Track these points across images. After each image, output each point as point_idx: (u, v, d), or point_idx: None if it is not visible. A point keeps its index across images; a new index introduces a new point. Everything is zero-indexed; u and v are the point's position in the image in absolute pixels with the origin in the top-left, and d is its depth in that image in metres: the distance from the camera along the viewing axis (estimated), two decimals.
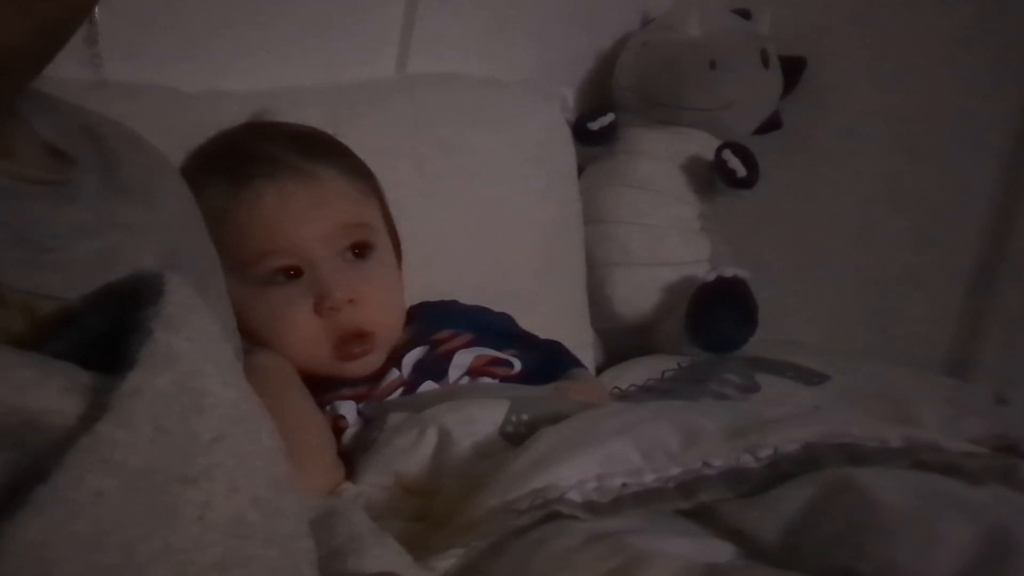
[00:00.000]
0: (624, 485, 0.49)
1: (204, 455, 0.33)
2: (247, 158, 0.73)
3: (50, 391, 0.35)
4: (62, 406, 0.35)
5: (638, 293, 1.12)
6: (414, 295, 0.82)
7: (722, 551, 0.47)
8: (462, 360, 0.74)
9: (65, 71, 0.62)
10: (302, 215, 0.72)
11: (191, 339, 0.37)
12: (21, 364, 0.37)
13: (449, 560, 0.47)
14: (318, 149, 0.76)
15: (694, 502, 0.48)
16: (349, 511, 0.42)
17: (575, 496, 0.48)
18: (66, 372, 0.38)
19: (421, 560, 0.46)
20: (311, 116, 0.83)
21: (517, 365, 0.77)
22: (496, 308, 0.87)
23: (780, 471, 0.48)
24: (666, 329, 1.10)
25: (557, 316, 1.01)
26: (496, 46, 1.08)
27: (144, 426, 0.32)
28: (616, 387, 0.98)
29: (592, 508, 0.48)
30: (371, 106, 0.93)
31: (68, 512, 0.29)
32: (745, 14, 1.21)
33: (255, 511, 0.34)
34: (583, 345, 1.05)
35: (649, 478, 0.49)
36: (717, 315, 1.05)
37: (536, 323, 0.88)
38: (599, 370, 1.07)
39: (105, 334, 0.41)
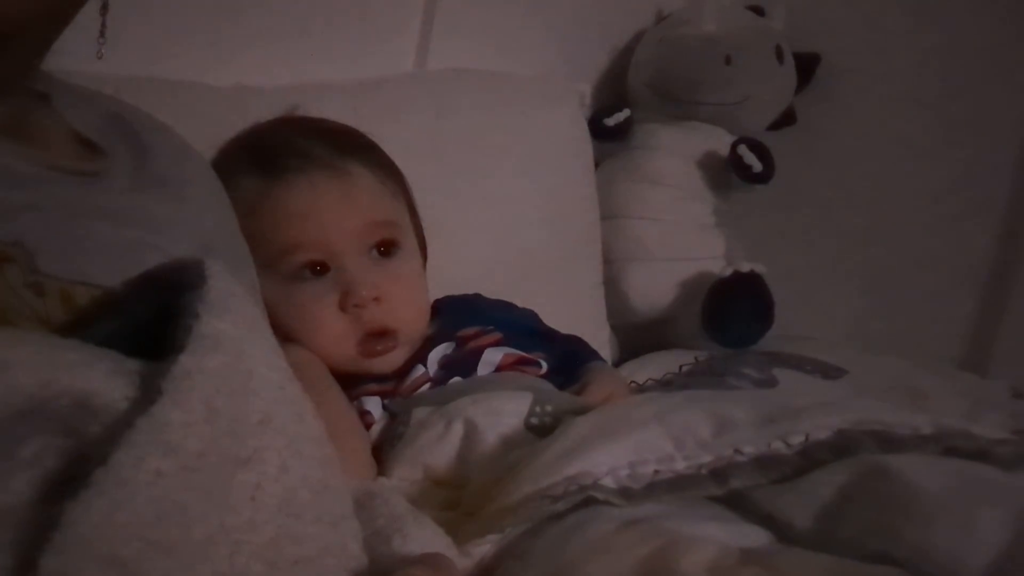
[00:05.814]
0: (656, 472, 0.49)
1: (254, 436, 0.34)
2: (280, 152, 0.73)
3: (98, 374, 0.36)
4: (110, 388, 0.35)
5: (654, 288, 1.12)
6: (433, 288, 0.83)
7: (755, 536, 0.48)
8: (491, 358, 0.73)
9: (96, 67, 0.63)
10: (332, 211, 0.72)
11: (235, 323, 0.38)
12: (68, 348, 0.37)
13: (485, 546, 0.48)
14: (351, 146, 0.76)
15: (727, 488, 0.49)
16: (388, 493, 0.43)
17: (609, 482, 0.48)
18: (110, 357, 0.38)
19: (457, 546, 0.46)
20: (332, 111, 0.83)
21: (544, 366, 0.76)
22: (512, 302, 0.87)
23: (812, 458, 0.48)
24: (682, 324, 1.10)
25: (573, 311, 1.02)
26: (514, 42, 1.08)
27: (198, 407, 0.32)
28: (633, 381, 0.98)
29: (626, 494, 0.48)
30: (391, 101, 0.93)
31: (129, 492, 0.29)
32: (759, 10, 1.21)
33: (305, 490, 0.34)
34: (599, 340, 1.05)
35: (681, 465, 0.50)
36: (733, 310, 1.05)
37: (553, 318, 0.88)
38: (615, 365, 1.06)
39: (146, 322, 0.42)
